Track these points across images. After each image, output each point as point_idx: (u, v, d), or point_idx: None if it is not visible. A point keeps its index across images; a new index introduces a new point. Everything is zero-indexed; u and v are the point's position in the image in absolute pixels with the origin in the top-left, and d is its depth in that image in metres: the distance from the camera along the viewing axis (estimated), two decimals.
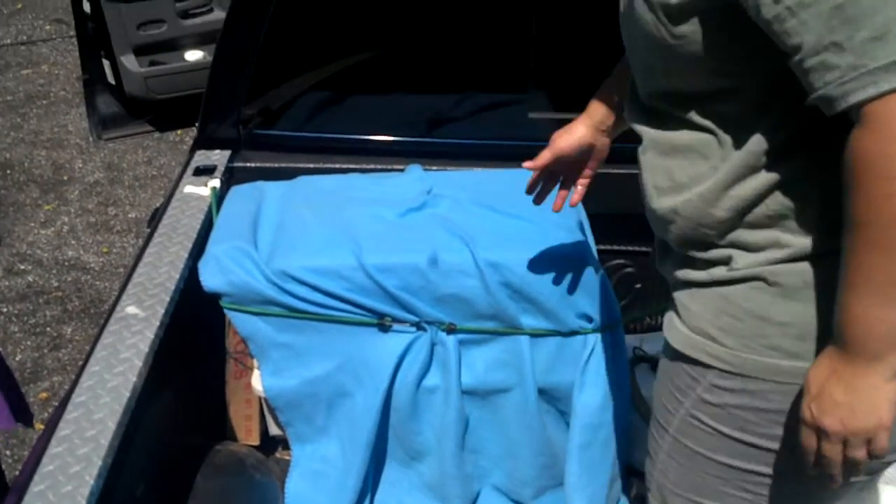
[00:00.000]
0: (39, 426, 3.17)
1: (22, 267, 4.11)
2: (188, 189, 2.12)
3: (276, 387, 1.92)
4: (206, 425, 2.04)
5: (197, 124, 2.35)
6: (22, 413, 2.21)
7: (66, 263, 4.14)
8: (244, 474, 1.92)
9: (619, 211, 2.25)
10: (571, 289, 1.88)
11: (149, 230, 2.04)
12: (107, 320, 1.66)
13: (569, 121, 2.39)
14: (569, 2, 2.22)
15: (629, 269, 2.46)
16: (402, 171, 2.21)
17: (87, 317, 3.77)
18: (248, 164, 2.27)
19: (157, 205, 3.40)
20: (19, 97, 5.63)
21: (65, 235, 4.35)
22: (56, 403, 3.24)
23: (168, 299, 1.71)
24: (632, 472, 2.14)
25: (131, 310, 1.67)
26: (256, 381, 1.95)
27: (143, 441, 1.52)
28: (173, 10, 3.57)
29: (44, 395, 3.33)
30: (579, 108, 2.39)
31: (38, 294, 3.93)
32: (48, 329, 3.71)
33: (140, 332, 1.61)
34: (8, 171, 4.92)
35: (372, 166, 2.25)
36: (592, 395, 1.92)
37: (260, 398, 2.02)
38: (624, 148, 2.33)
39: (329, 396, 1.94)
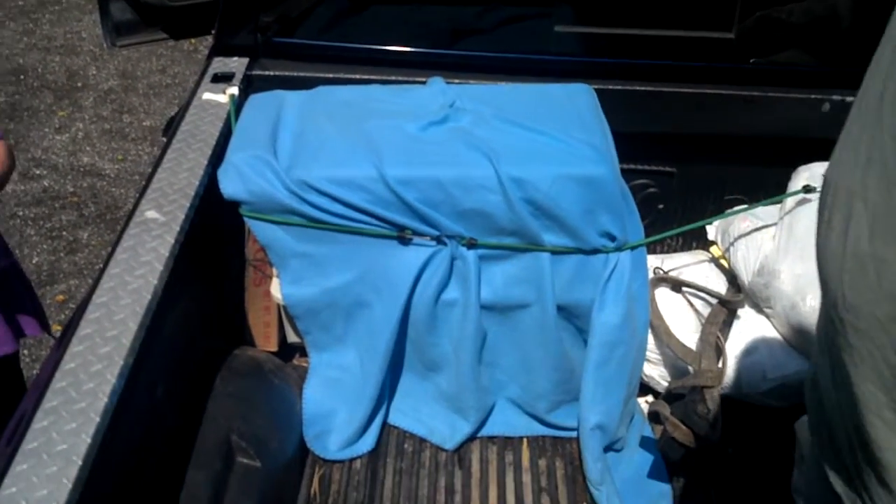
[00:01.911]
0: (57, 328, 3.21)
1: (37, 172, 4.10)
2: (206, 96, 2.08)
3: (296, 295, 1.92)
4: (226, 331, 2.05)
5: (213, 32, 2.30)
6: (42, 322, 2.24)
7: (82, 169, 4.13)
8: (262, 378, 1.93)
9: (641, 129, 2.22)
10: (595, 207, 1.86)
11: (164, 138, 2.01)
12: (126, 224, 1.64)
13: (594, 35, 2.36)
14: None
15: (651, 189, 2.43)
16: (423, 83, 2.16)
17: (104, 222, 3.77)
18: (267, 73, 2.22)
19: (172, 113, 3.36)
20: (31, 2, 5.54)
21: (80, 142, 4.33)
22: (73, 306, 3.27)
23: (188, 205, 1.69)
24: (645, 390, 2.16)
25: (151, 214, 1.66)
26: (275, 289, 1.95)
27: (162, 343, 1.52)
28: None
29: (60, 297, 3.36)
30: (605, 22, 2.34)
31: (54, 199, 3.93)
32: (64, 233, 3.72)
33: (160, 237, 1.60)
34: (21, 77, 4.87)
35: (393, 78, 2.20)
36: (611, 313, 1.92)
37: (279, 306, 2.02)
38: (645, 65, 2.31)
39: (347, 306, 1.94)
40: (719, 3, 2.21)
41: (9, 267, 2.07)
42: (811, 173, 2.16)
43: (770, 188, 2.22)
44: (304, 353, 2.09)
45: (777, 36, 2.33)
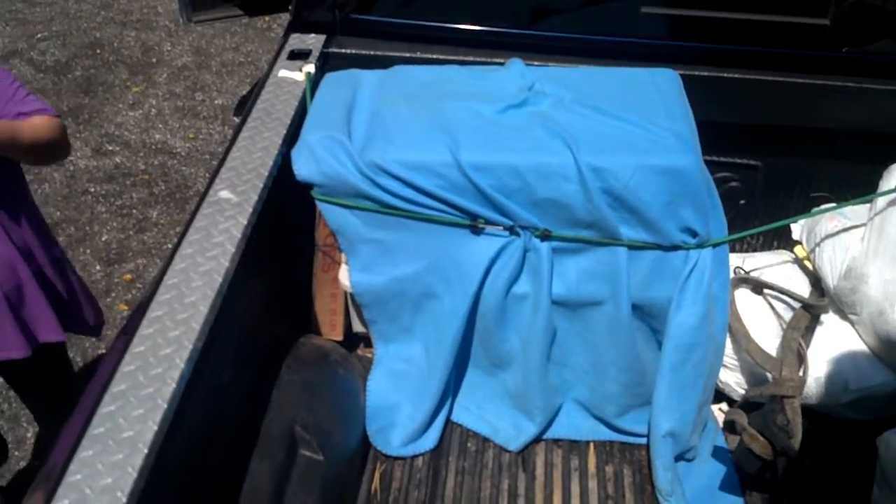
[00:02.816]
0: (123, 306, 3.24)
1: (110, 148, 4.16)
2: (282, 73, 2.05)
3: (364, 283, 1.88)
4: (292, 316, 2.03)
5: (290, 8, 2.27)
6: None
7: (154, 147, 4.17)
8: (328, 368, 1.91)
9: (726, 119, 2.13)
10: (677, 200, 1.78)
11: (235, 117, 1.99)
12: (200, 203, 1.62)
13: (682, 18, 2.27)
14: None
15: (733, 183, 2.34)
16: (502, 64, 2.10)
17: (173, 201, 3.80)
18: (344, 51, 2.19)
19: (244, 92, 3.37)
20: None
21: (152, 119, 4.37)
22: (140, 286, 3.30)
23: (262, 185, 1.67)
24: (719, 397, 2.08)
25: (224, 194, 1.64)
26: (344, 276, 1.92)
27: (231, 327, 1.50)
28: None
29: (128, 276, 3.39)
30: (694, 4, 2.25)
31: (126, 176, 3.97)
32: (134, 211, 3.76)
33: (233, 217, 1.58)
34: (98, 51, 4.94)
35: (471, 58, 2.15)
36: (689, 314, 1.84)
37: (346, 293, 2.00)
38: (734, 51, 2.21)
39: (416, 296, 1.90)
40: None
41: (51, 261, 2.08)
42: None
43: (860, 186, 2.11)
44: (368, 344, 2.06)
45: (873, 23, 2.21)
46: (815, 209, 2.15)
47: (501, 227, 1.82)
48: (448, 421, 2.00)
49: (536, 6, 2.27)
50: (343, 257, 1.91)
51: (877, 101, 2.16)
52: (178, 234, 1.56)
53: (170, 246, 3.40)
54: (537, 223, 1.81)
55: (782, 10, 2.16)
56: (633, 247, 1.81)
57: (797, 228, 2.23)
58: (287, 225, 1.91)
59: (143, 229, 3.64)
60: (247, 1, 3.74)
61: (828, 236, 2.08)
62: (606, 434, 2.00)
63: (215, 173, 1.72)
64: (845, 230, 2.06)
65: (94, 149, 4.14)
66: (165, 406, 1.21)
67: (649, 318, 1.89)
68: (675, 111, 1.91)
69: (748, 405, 1.91)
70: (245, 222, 1.57)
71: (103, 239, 3.59)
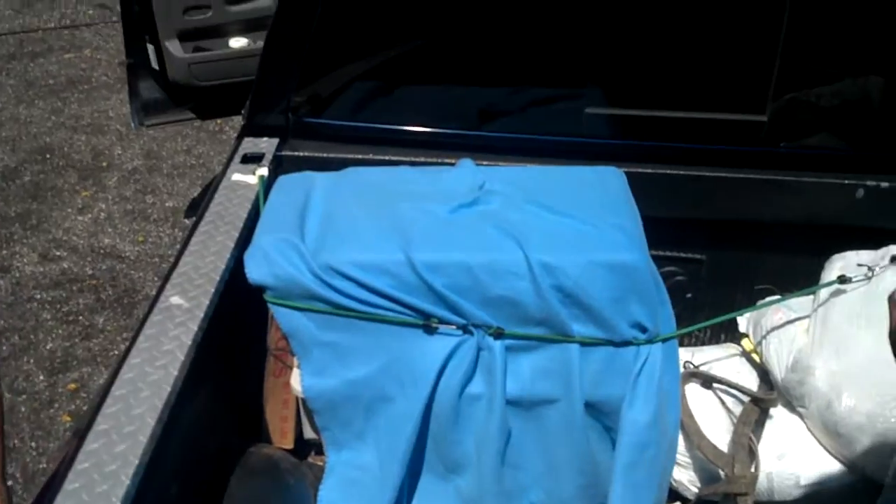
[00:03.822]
0: (66, 418, 3.15)
1: (57, 253, 4.10)
2: (235, 177, 2.07)
3: (316, 387, 1.85)
4: (243, 424, 1.99)
5: (244, 112, 2.31)
6: None
7: (102, 251, 4.13)
8: (278, 479, 1.86)
9: (670, 214, 2.18)
10: (626, 295, 1.80)
11: (186, 219, 1.99)
12: (149, 310, 1.60)
13: (625, 117, 2.34)
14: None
15: (680, 277, 2.38)
16: (453, 164, 2.14)
17: (121, 306, 3.75)
18: (297, 153, 2.22)
19: (195, 194, 3.36)
20: (61, 81, 5.64)
21: (101, 223, 4.34)
22: (84, 395, 3.21)
23: (213, 290, 1.66)
24: (673, 496, 2.06)
25: (175, 300, 1.62)
26: (295, 381, 1.88)
27: (179, 439, 1.47)
28: None
29: (72, 385, 3.31)
30: (636, 104, 2.33)
31: (73, 282, 3.92)
32: (80, 318, 3.69)
33: (183, 324, 1.56)
34: (48, 156, 4.92)
35: (422, 159, 2.19)
36: (642, 411, 1.83)
37: (297, 399, 1.96)
38: (676, 148, 2.28)
39: (369, 400, 1.87)
40: (752, 85, 2.19)
41: None
42: (845, 262, 2.10)
43: (803, 278, 2.17)
44: (320, 451, 2.01)
45: (808, 119, 2.31)
46: (760, 302, 2.19)
47: (455, 326, 1.82)
48: None
49: (485, 108, 2.33)
50: (295, 361, 1.88)
51: (815, 195, 2.23)
52: (126, 342, 1.53)
53: (116, 353, 3.34)
54: (490, 321, 1.81)
55: (721, 107, 2.24)
56: (585, 343, 1.82)
57: (744, 321, 2.26)
58: (239, 330, 1.89)
59: (89, 336, 3.56)
60: (199, 104, 3.78)
61: (773, 329, 2.11)
62: None
63: (166, 279, 1.71)
64: (790, 322, 2.10)
65: (41, 255, 4.08)
66: None
67: (602, 416, 1.88)
68: (620, 208, 1.95)
69: None
70: (196, 329, 1.55)
71: (48, 347, 3.50)
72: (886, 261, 2.01)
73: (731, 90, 2.22)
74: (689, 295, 2.40)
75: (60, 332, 3.59)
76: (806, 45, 2.17)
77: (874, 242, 2.10)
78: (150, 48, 3.48)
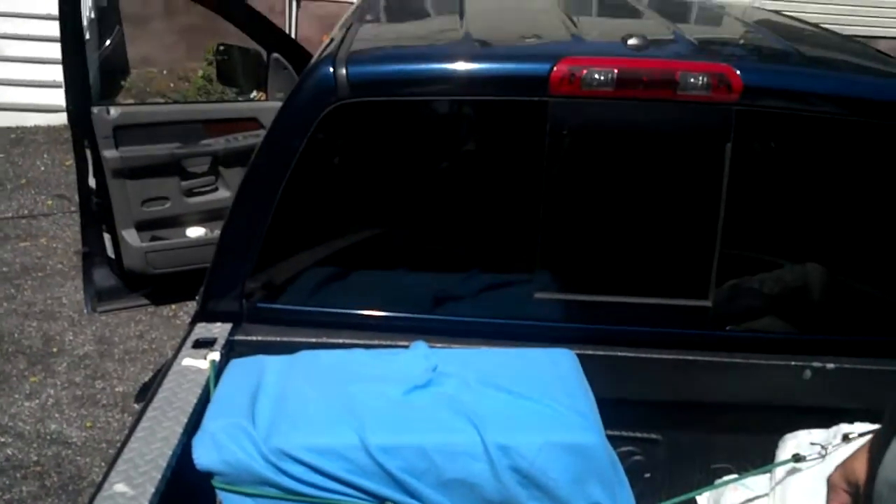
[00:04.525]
0: None
1: (2, 440, 3.97)
2: (186, 362, 2.06)
3: None
4: None
5: (197, 298, 2.32)
6: None
7: (48, 437, 4.01)
8: None
9: (623, 395, 2.20)
10: (584, 476, 1.80)
11: (136, 405, 1.96)
12: (93, 498, 1.55)
13: (574, 302, 2.41)
14: (575, 184, 2.26)
15: (637, 457, 2.37)
16: (406, 347, 2.16)
17: (65, 493, 3.61)
18: (250, 338, 2.22)
19: (146, 379, 3.32)
20: (15, 269, 5.63)
21: (49, 409, 4.23)
22: None
23: (159, 477, 1.61)
24: None
25: (120, 487, 1.57)
26: None
27: None
28: (178, 189, 3.62)
29: None
30: (585, 289, 2.40)
31: (17, 468, 3.78)
32: None
33: None
34: None
35: (376, 342, 2.20)
36: None
37: None
38: (630, 331, 2.33)
39: None
40: (694, 271, 2.28)
41: None
42: (798, 442, 2.12)
43: (759, 457, 2.17)
44: None
45: (753, 304, 2.39)
46: (718, 481, 2.18)
47: None
48: None
49: (438, 292, 2.38)
50: None
51: (764, 376, 2.28)
52: None
53: None
54: None
55: (666, 293, 2.32)
56: None
57: (703, 500, 2.24)
58: None
59: None
60: (153, 290, 3.81)
61: None
62: None
63: (111, 465, 1.66)
64: (749, 501, 2.08)
65: None
66: None
67: None
68: (575, 389, 1.97)
69: None
70: None
71: None
72: (839, 439, 2.03)
73: (674, 277, 2.31)
74: (647, 475, 2.38)
75: None
76: (744, 235, 2.29)
77: (825, 422, 2.13)
78: (107, 237, 3.54)
